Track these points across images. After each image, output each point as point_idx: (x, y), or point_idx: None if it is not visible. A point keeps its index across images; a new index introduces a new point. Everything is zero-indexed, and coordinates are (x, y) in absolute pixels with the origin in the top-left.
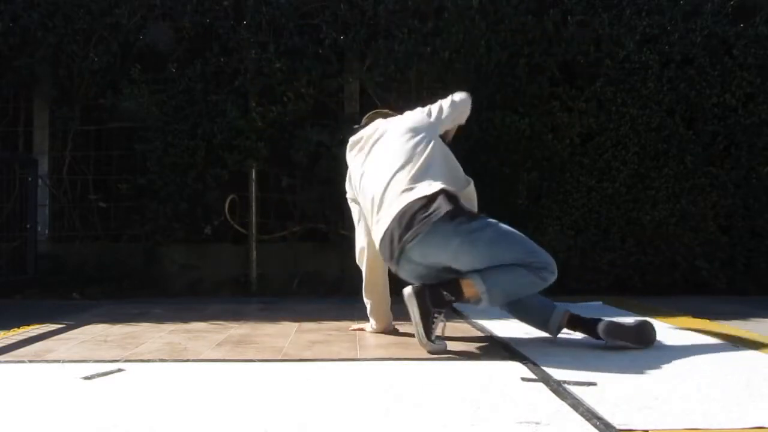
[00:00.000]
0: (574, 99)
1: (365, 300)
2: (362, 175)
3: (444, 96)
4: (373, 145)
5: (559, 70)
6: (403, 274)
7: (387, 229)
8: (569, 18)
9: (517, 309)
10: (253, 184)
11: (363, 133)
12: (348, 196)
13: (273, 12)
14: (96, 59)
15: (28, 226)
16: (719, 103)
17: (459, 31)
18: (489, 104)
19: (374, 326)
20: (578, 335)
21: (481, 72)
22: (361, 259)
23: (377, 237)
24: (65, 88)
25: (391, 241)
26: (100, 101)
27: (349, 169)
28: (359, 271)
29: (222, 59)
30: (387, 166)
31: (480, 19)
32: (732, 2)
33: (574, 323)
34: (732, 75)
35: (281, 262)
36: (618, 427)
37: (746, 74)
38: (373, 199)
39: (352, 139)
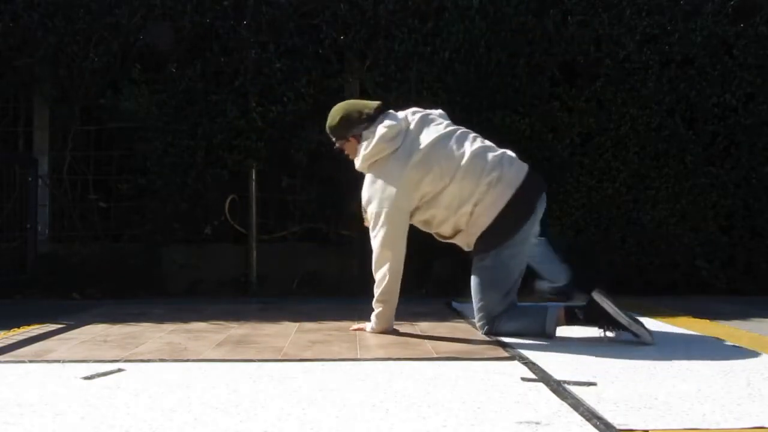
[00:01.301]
0: (574, 99)
1: (377, 304)
2: (450, 142)
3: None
4: (431, 122)
5: (559, 70)
6: (520, 241)
7: (526, 181)
8: (569, 18)
9: (515, 316)
10: (253, 184)
11: (402, 122)
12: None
13: (273, 12)
14: (96, 59)
15: (28, 226)
16: (719, 103)
17: (459, 31)
18: (489, 104)
19: (375, 327)
20: (578, 334)
21: (481, 72)
22: (392, 264)
23: (512, 190)
24: (65, 88)
25: (534, 194)
26: (100, 101)
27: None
28: (359, 270)
29: (222, 59)
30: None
31: (480, 19)
32: (732, 2)
33: (570, 313)
34: (732, 75)
35: (281, 262)
36: (618, 427)
37: (746, 74)
38: (495, 157)
39: (395, 129)
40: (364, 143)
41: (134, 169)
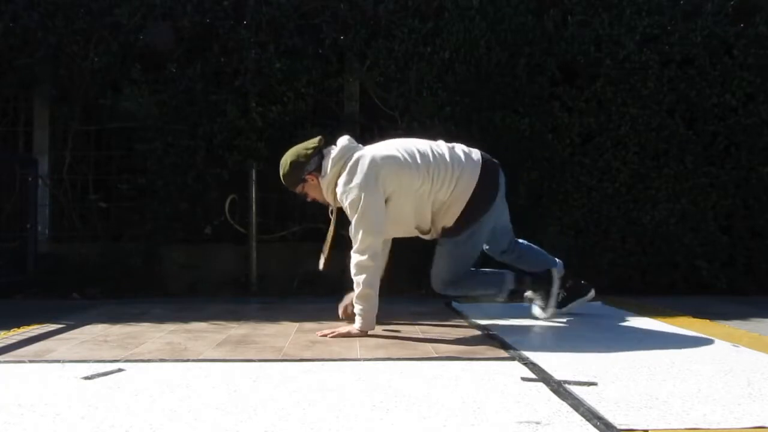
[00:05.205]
0: (574, 99)
1: (362, 303)
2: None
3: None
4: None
5: (559, 70)
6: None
7: (483, 164)
8: (569, 18)
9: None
10: (253, 184)
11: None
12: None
13: (273, 12)
14: (96, 59)
15: (28, 226)
16: (719, 103)
17: (459, 31)
18: (489, 104)
19: (364, 325)
20: (578, 333)
21: (481, 72)
22: (377, 258)
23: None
24: (65, 88)
25: (494, 175)
26: (100, 101)
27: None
28: None
29: (222, 59)
30: None
31: (480, 19)
32: (732, 2)
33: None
34: (732, 75)
35: (281, 262)
36: (618, 427)
37: (746, 74)
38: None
39: (348, 140)
40: (329, 169)
41: (134, 169)
